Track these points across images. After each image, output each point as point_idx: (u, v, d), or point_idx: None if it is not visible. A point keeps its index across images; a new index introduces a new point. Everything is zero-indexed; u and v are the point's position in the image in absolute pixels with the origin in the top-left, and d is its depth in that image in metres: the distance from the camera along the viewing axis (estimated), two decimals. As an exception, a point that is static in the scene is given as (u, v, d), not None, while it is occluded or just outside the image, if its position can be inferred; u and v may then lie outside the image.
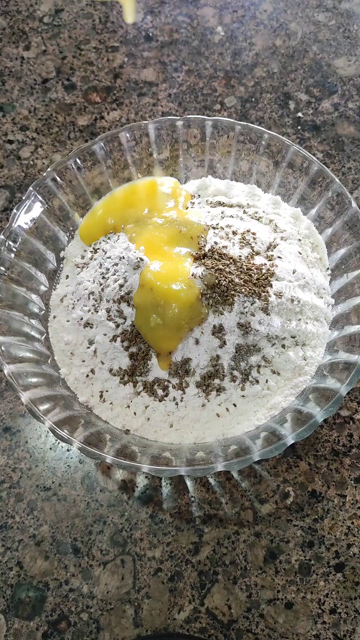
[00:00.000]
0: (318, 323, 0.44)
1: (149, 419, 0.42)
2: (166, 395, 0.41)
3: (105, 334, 0.42)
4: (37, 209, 0.46)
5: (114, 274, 0.43)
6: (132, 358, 0.42)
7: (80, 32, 0.66)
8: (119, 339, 0.42)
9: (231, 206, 0.48)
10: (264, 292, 0.41)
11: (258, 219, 0.47)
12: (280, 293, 0.42)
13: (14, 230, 0.44)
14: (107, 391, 0.42)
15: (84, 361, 0.43)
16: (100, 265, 0.44)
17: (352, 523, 0.42)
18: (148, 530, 0.42)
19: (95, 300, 0.43)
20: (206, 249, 0.42)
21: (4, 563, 0.42)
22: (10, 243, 0.44)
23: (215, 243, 0.43)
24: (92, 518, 0.43)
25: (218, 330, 0.40)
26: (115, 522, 0.43)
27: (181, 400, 0.41)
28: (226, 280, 0.40)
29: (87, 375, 0.43)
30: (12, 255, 0.44)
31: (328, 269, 0.47)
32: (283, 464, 0.44)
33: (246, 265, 0.42)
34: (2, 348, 0.39)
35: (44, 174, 0.46)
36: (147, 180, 0.50)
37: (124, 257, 0.42)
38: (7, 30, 0.66)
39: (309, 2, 0.68)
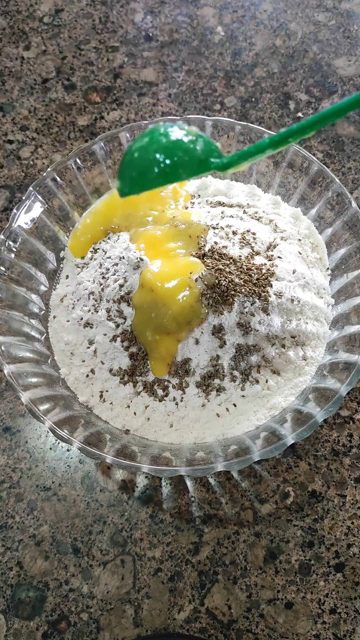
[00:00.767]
0: (318, 323, 0.44)
1: (149, 419, 0.42)
2: (166, 395, 0.41)
3: (105, 334, 0.42)
4: (37, 209, 0.46)
5: (114, 274, 0.43)
6: (132, 358, 0.42)
7: (80, 32, 0.66)
8: (119, 339, 0.42)
9: (231, 206, 0.48)
10: (264, 292, 0.41)
11: (258, 219, 0.47)
12: (280, 293, 0.42)
13: (14, 230, 0.44)
14: (107, 391, 0.42)
15: (84, 361, 0.43)
16: (100, 265, 0.44)
17: (352, 523, 0.42)
18: (148, 530, 0.42)
19: (95, 300, 0.43)
20: (206, 249, 0.42)
21: (4, 563, 0.42)
22: (10, 243, 0.44)
23: (215, 243, 0.43)
24: (92, 518, 0.43)
25: (218, 330, 0.40)
26: (115, 522, 0.43)
27: (181, 400, 0.41)
28: (226, 280, 0.40)
29: (87, 375, 0.43)
30: (12, 255, 0.44)
31: (328, 269, 0.47)
32: (283, 464, 0.44)
33: (246, 265, 0.42)
34: (2, 348, 0.39)
35: (44, 174, 0.46)
36: None
37: (124, 257, 0.42)
38: (7, 30, 0.66)
39: (309, 2, 0.68)
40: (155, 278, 0.41)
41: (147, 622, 0.40)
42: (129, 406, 0.42)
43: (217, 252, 0.42)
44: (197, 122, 0.48)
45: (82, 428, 0.39)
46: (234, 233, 0.44)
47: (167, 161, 0.28)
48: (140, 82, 0.62)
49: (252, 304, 0.40)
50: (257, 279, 0.42)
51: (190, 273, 0.41)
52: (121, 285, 0.42)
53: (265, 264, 0.43)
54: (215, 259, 0.42)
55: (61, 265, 0.48)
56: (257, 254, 0.44)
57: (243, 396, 0.41)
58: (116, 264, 0.43)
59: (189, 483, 0.43)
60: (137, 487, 0.43)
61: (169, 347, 0.41)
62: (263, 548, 0.42)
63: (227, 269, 0.41)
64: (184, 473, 0.36)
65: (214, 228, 0.44)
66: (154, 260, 0.42)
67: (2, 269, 0.43)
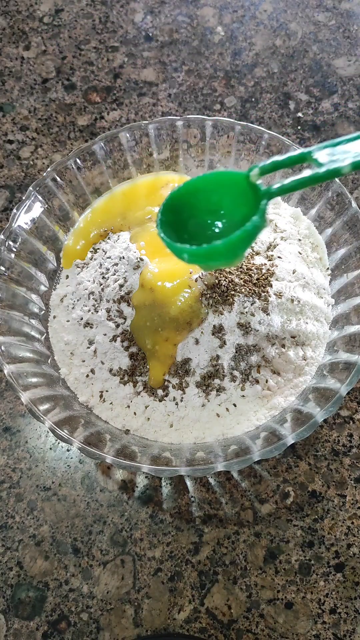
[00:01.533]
0: (318, 323, 0.44)
1: (149, 419, 0.42)
2: (166, 395, 0.41)
3: (105, 334, 0.42)
4: (37, 209, 0.46)
5: (114, 274, 0.43)
6: (132, 358, 0.42)
7: (80, 32, 0.66)
8: (119, 339, 0.42)
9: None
10: (264, 292, 0.41)
11: (258, 219, 0.47)
12: (280, 293, 0.42)
13: (14, 230, 0.44)
14: (107, 391, 0.42)
15: (84, 361, 0.43)
16: (100, 265, 0.44)
17: (352, 523, 0.42)
18: (148, 530, 0.42)
19: (95, 300, 0.43)
20: None
21: (4, 563, 0.42)
22: (10, 243, 0.44)
23: None
24: (92, 518, 0.43)
25: (218, 330, 0.40)
26: (115, 522, 0.43)
27: (181, 400, 0.41)
28: (226, 280, 0.40)
29: (87, 375, 0.43)
30: (12, 255, 0.44)
31: (328, 269, 0.47)
32: (283, 464, 0.44)
33: (246, 265, 0.42)
34: (2, 348, 0.39)
35: (44, 174, 0.46)
36: (150, 179, 0.49)
37: (124, 257, 0.42)
38: (7, 30, 0.66)
39: (309, 2, 0.68)
40: (156, 278, 0.41)
41: (147, 622, 0.40)
42: (129, 406, 0.42)
43: None
44: (197, 122, 0.48)
45: (82, 428, 0.39)
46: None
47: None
48: (140, 82, 0.62)
49: (252, 304, 0.40)
50: (257, 279, 0.42)
51: (190, 273, 0.41)
52: (121, 285, 0.42)
53: (265, 264, 0.43)
54: None
55: (61, 265, 0.48)
56: (257, 254, 0.44)
57: (243, 396, 0.41)
58: (116, 264, 0.43)
59: (189, 483, 0.43)
60: (137, 487, 0.43)
61: (169, 350, 0.41)
62: (263, 548, 0.42)
63: (227, 269, 0.41)
64: (184, 473, 0.36)
65: None
66: (154, 260, 0.42)
67: (2, 269, 0.43)
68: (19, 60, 0.64)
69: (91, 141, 0.48)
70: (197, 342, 0.40)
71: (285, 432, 0.37)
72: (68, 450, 0.45)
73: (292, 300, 0.42)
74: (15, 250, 0.44)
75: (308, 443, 0.45)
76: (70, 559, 0.42)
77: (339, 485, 0.44)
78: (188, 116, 0.49)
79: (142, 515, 0.43)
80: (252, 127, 0.48)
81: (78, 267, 0.46)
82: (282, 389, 0.42)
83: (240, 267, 0.42)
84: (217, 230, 0.32)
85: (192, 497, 0.43)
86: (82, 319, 0.43)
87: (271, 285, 0.42)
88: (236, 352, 0.41)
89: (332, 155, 0.28)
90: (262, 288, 0.41)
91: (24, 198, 0.45)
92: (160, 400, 0.41)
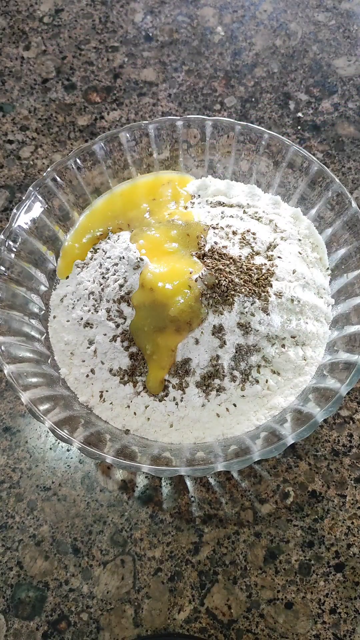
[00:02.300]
0: (318, 323, 0.44)
1: (149, 419, 0.42)
2: (166, 395, 0.41)
3: (105, 334, 0.42)
4: (37, 209, 0.46)
5: (114, 274, 0.43)
6: (132, 358, 0.42)
7: (80, 32, 0.66)
8: (119, 339, 0.42)
9: (231, 206, 0.48)
10: (264, 292, 0.41)
11: (258, 219, 0.47)
12: (280, 293, 0.42)
13: (14, 230, 0.44)
14: (107, 391, 0.42)
15: (83, 361, 0.43)
16: (100, 265, 0.44)
17: (352, 523, 0.42)
18: (148, 530, 0.42)
19: (95, 300, 0.43)
20: (206, 249, 0.42)
21: (4, 563, 0.42)
22: (10, 243, 0.44)
23: (215, 243, 0.43)
24: (92, 518, 0.43)
25: (218, 330, 0.40)
26: (115, 522, 0.43)
27: (181, 400, 0.41)
28: (226, 280, 0.40)
29: (87, 375, 0.43)
30: (12, 255, 0.44)
31: (328, 269, 0.47)
32: (283, 464, 0.44)
33: (246, 265, 0.42)
34: (2, 348, 0.39)
35: (44, 174, 0.46)
36: (150, 179, 0.49)
37: (124, 257, 0.42)
38: (7, 30, 0.66)
39: (309, 2, 0.68)
40: (156, 278, 0.41)
41: (147, 622, 0.40)
42: (129, 406, 0.42)
43: (217, 252, 0.42)
44: (197, 122, 0.48)
45: (82, 428, 0.39)
46: (234, 233, 0.44)
47: None
48: (140, 82, 0.62)
49: (252, 304, 0.40)
50: (257, 279, 0.42)
51: (190, 273, 0.41)
52: (121, 285, 0.42)
53: (265, 264, 0.43)
54: (215, 259, 0.42)
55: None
56: (257, 254, 0.44)
57: (243, 396, 0.41)
58: (116, 264, 0.43)
59: (189, 483, 0.43)
60: (137, 487, 0.43)
61: (168, 355, 0.41)
62: (263, 548, 0.42)
63: (227, 269, 0.41)
64: (184, 473, 0.36)
65: (213, 228, 0.44)
66: (153, 259, 0.42)
67: (2, 269, 0.43)
68: (19, 60, 0.64)
69: (91, 141, 0.48)
70: (197, 342, 0.40)
71: (285, 432, 0.37)
72: (68, 450, 0.45)
73: (292, 300, 0.42)
74: (15, 250, 0.44)
75: (308, 443, 0.45)
76: (70, 559, 0.42)
77: (339, 485, 0.44)
78: (188, 116, 0.49)
79: (142, 515, 0.43)
80: (252, 127, 0.48)
81: (78, 267, 0.46)
82: (282, 389, 0.42)
83: (241, 267, 0.42)
84: None
85: (192, 497, 0.43)
86: (82, 319, 0.43)
87: (271, 285, 0.42)
88: (236, 352, 0.41)
89: None
90: (262, 288, 0.41)
91: (24, 198, 0.45)
92: (160, 400, 0.41)
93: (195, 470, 0.36)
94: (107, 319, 0.42)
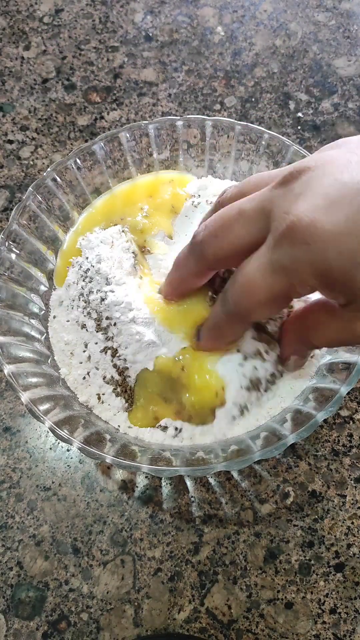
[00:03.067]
0: None
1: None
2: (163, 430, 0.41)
3: (96, 343, 0.41)
4: (37, 209, 0.46)
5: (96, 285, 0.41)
6: (121, 374, 0.41)
7: (80, 32, 0.66)
8: (109, 352, 0.41)
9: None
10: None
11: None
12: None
13: (14, 230, 0.44)
14: (103, 394, 0.42)
15: (81, 363, 0.43)
16: (80, 267, 0.43)
17: (352, 523, 0.42)
18: (148, 530, 0.42)
19: (85, 302, 0.42)
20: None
21: (4, 563, 0.42)
22: (10, 243, 0.44)
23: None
24: (92, 518, 0.43)
25: None
26: (115, 522, 0.43)
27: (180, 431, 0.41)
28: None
29: (84, 378, 0.43)
30: (13, 255, 0.44)
31: None
32: (283, 464, 0.44)
33: None
34: (2, 348, 0.39)
35: (44, 174, 0.46)
36: (151, 179, 0.49)
37: (126, 309, 0.39)
38: (7, 30, 0.66)
39: (309, 2, 0.68)
40: (175, 366, 0.38)
41: (147, 622, 0.40)
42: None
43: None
44: (197, 122, 0.48)
45: (82, 428, 0.39)
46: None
47: None
48: (140, 82, 0.62)
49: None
50: None
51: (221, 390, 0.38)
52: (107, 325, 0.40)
53: None
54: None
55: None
56: None
57: (243, 396, 0.41)
58: (102, 299, 0.40)
59: (189, 483, 0.43)
60: (137, 487, 0.43)
61: (156, 415, 0.40)
62: (263, 548, 0.42)
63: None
64: (184, 473, 0.36)
65: None
66: (158, 311, 0.39)
67: (2, 268, 0.43)
68: (19, 60, 0.64)
69: (91, 141, 0.48)
70: None
71: (285, 432, 0.37)
72: (68, 450, 0.45)
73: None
74: (15, 250, 0.44)
75: (308, 443, 0.45)
76: (70, 559, 0.42)
77: (339, 485, 0.44)
78: (188, 116, 0.49)
79: (142, 515, 0.43)
80: (252, 127, 0.48)
81: (73, 266, 0.46)
82: (282, 389, 0.42)
83: None
84: None
85: (192, 497, 0.43)
86: (78, 319, 0.43)
87: None
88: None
89: None
90: None
91: (23, 198, 0.45)
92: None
93: (195, 470, 0.36)
94: (96, 330, 0.41)
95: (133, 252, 0.43)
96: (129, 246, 0.43)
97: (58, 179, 0.47)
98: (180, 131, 0.49)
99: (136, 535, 0.42)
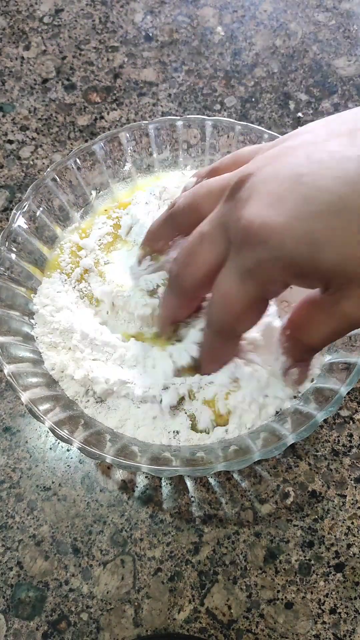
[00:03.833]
0: None
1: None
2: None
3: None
4: (37, 209, 0.46)
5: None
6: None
7: (80, 32, 0.66)
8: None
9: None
10: None
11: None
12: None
13: (13, 230, 0.44)
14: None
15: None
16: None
17: (352, 523, 0.42)
18: (148, 530, 0.42)
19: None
20: None
21: (4, 563, 0.42)
22: (11, 243, 0.44)
23: None
24: (92, 518, 0.43)
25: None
26: (115, 522, 0.43)
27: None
28: None
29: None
30: (12, 255, 0.44)
31: None
32: (283, 464, 0.44)
33: None
34: (2, 349, 0.39)
35: (44, 174, 0.46)
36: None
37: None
38: (7, 30, 0.66)
39: (309, 2, 0.68)
40: None
41: (147, 622, 0.40)
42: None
43: None
44: (197, 122, 0.48)
45: (82, 428, 0.39)
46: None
47: None
48: (140, 82, 0.62)
49: None
50: None
51: None
52: None
53: None
54: None
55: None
56: None
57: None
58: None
59: (189, 483, 0.43)
60: (137, 487, 0.43)
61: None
62: (263, 548, 0.42)
63: None
64: (184, 473, 0.36)
65: None
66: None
67: (2, 269, 0.43)
68: (19, 60, 0.64)
69: (91, 141, 0.48)
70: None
71: (285, 432, 0.37)
72: (68, 450, 0.45)
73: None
74: (15, 250, 0.44)
75: (308, 443, 0.45)
76: (70, 559, 0.42)
77: (339, 485, 0.44)
78: (188, 116, 0.49)
79: (142, 515, 0.43)
80: (252, 127, 0.48)
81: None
82: (281, 392, 0.42)
83: None
84: None
85: (192, 497, 0.43)
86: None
87: None
88: None
89: None
90: None
91: (23, 198, 0.45)
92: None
93: (196, 470, 0.36)
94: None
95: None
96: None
97: (58, 179, 0.47)
98: (180, 131, 0.49)
99: (136, 535, 0.42)
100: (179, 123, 0.49)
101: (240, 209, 0.29)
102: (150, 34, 0.66)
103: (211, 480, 0.44)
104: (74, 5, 0.68)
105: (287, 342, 0.35)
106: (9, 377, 0.38)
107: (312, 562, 0.41)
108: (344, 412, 0.46)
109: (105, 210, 0.48)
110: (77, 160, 0.48)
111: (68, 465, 0.44)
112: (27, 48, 0.65)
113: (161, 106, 0.61)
